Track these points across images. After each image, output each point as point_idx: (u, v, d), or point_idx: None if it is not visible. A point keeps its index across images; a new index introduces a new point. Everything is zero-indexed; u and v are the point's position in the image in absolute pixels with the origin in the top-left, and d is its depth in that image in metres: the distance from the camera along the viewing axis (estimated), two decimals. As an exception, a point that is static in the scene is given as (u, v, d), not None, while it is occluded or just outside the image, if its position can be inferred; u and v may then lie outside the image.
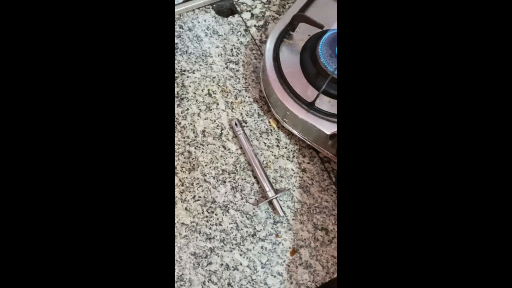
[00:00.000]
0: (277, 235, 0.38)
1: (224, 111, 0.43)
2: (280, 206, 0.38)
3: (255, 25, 0.49)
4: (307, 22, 0.40)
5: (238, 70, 0.46)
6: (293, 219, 0.39)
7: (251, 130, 0.43)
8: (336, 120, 0.37)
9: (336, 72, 0.37)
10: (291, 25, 0.41)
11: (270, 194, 0.38)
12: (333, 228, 0.39)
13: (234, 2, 0.50)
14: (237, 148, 0.41)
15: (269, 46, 0.41)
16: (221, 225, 0.38)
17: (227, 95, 0.44)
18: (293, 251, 0.37)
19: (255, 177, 0.40)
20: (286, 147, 0.42)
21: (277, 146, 0.42)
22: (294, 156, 0.42)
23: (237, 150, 0.41)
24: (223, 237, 0.37)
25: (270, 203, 0.39)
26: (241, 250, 0.37)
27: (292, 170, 0.41)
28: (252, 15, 0.49)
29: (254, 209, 0.39)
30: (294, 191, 0.40)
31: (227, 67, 0.46)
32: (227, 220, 0.38)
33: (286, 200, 0.40)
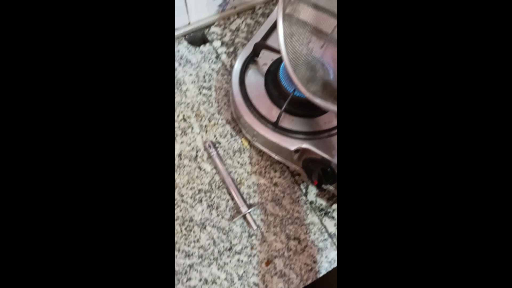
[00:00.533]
0: (252, 248, 0.40)
1: (198, 134, 0.46)
2: (254, 220, 0.41)
3: (225, 52, 0.53)
4: (267, 49, 0.44)
5: (211, 95, 0.49)
6: (266, 231, 0.41)
7: (224, 150, 0.46)
8: (298, 136, 0.40)
9: (295, 93, 0.40)
10: (254, 52, 0.45)
11: (244, 209, 0.41)
12: (305, 237, 0.41)
13: (205, 33, 0.54)
14: (212, 168, 0.44)
15: (235, 72, 0.44)
16: (199, 241, 0.40)
17: (201, 119, 0.47)
18: (268, 262, 0.40)
19: (230, 194, 0.43)
20: (258, 164, 0.45)
21: (250, 163, 0.45)
22: (265, 172, 0.45)
23: (212, 170, 0.44)
24: (201, 253, 0.40)
25: (245, 217, 0.41)
26: (219, 264, 0.39)
27: (264, 185, 0.44)
28: (222, 43, 0.53)
29: (229, 224, 0.41)
30: (267, 204, 0.43)
31: (200, 93, 0.49)
32: (205, 236, 0.41)
33: (260, 214, 0.42)
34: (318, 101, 0.35)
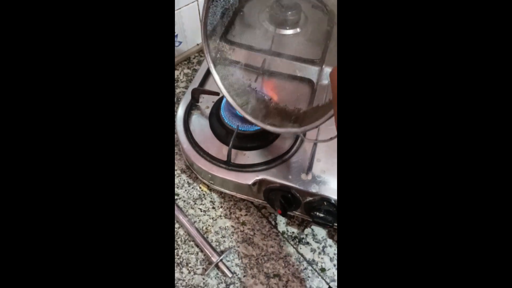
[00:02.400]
0: (232, 298, 0.37)
1: (154, 190, 0.44)
2: (227, 267, 0.38)
3: (168, 104, 0.53)
4: (204, 93, 0.45)
5: (160, 148, 0.48)
6: (244, 276, 0.39)
7: (184, 201, 0.44)
8: (253, 169, 0.40)
9: (240, 128, 0.41)
10: (194, 98, 0.45)
11: (214, 259, 0.38)
12: (284, 272, 0.39)
13: (145, 89, 0.55)
14: (174, 222, 0.42)
15: (179, 120, 0.44)
16: (173, 308, 0.37)
17: (155, 174, 0.46)
18: (252, 310, 0.37)
19: (198, 246, 0.40)
20: (221, 207, 0.44)
21: (213, 208, 0.43)
22: (231, 213, 0.43)
23: (174, 225, 0.42)
24: (178, 320, 0.36)
25: (218, 267, 0.39)
26: (200, 328, 0.36)
27: (232, 226, 0.42)
28: (164, 95, 0.54)
29: (204, 279, 0.38)
30: (238, 247, 0.41)
31: (149, 149, 0.48)
32: (179, 300, 0.37)
33: (233, 259, 0.40)
34: (249, 117, 0.37)
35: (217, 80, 0.40)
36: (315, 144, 0.41)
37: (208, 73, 0.49)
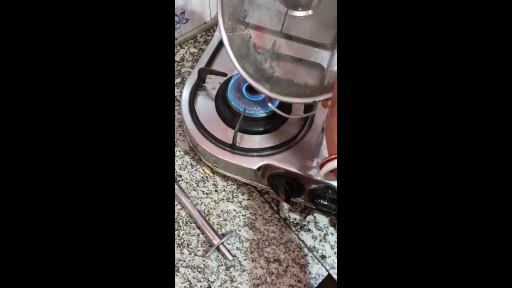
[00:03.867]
0: (232, 281, 0.38)
1: (157, 170, 0.44)
2: (228, 250, 0.38)
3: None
4: (211, 73, 0.43)
5: (164, 128, 0.47)
6: (244, 259, 0.39)
7: (187, 182, 0.43)
8: (258, 154, 0.39)
9: (247, 111, 0.40)
10: (200, 79, 0.44)
11: (215, 241, 0.38)
12: (285, 257, 0.39)
13: (150, 67, 0.53)
14: (176, 203, 0.42)
15: (184, 100, 0.43)
16: None
17: (158, 154, 0.45)
18: (251, 292, 0.37)
19: (199, 228, 0.40)
20: (224, 190, 0.43)
21: (215, 191, 0.43)
22: (233, 197, 0.43)
23: (176, 206, 0.42)
24: (178, 299, 0.36)
25: (219, 250, 0.39)
26: (199, 307, 0.36)
27: (234, 210, 0.42)
28: (169, 74, 0.53)
29: (204, 260, 0.39)
30: (240, 231, 0.41)
31: (153, 128, 0.47)
32: (179, 280, 0.37)
33: (235, 242, 0.40)
34: (251, 81, 0.37)
35: (229, 51, 0.38)
36: (322, 131, 0.40)
37: (215, 53, 0.48)
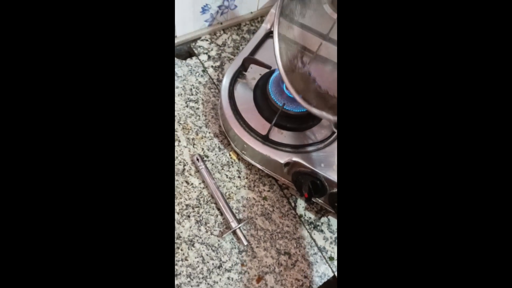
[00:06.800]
0: (242, 264, 0.39)
1: (186, 147, 0.45)
2: (244, 235, 0.40)
3: (212, 66, 0.53)
4: (256, 64, 0.44)
5: (198, 108, 0.49)
6: (257, 247, 0.40)
7: (212, 164, 0.45)
8: (288, 149, 0.41)
9: (285, 107, 0.41)
10: (243, 66, 0.45)
11: (233, 224, 0.40)
12: (295, 252, 0.41)
13: (192, 46, 0.54)
14: (200, 182, 0.43)
15: (224, 85, 0.45)
16: (187, 260, 0.39)
17: (188, 132, 0.47)
18: (259, 278, 0.39)
19: (219, 209, 0.42)
20: (247, 178, 0.45)
21: (238, 177, 0.45)
22: (255, 186, 0.44)
23: (200, 184, 0.43)
24: (190, 272, 0.38)
25: (234, 233, 0.40)
26: (208, 284, 0.38)
27: (254, 199, 0.43)
28: (209, 57, 0.54)
29: (219, 240, 0.40)
30: (256, 219, 0.42)
31: (187, 106, 0.48)
32: (193, 254, 0.39)
33: (250, 229, 0.41)
34: (314, 110, 0.35)
35: (276, 48, 0.39)
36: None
37: (260, 44, 0.49)
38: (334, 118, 0.35)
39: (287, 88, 0.38)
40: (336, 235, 0.42)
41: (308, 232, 0.42)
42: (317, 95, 0.39)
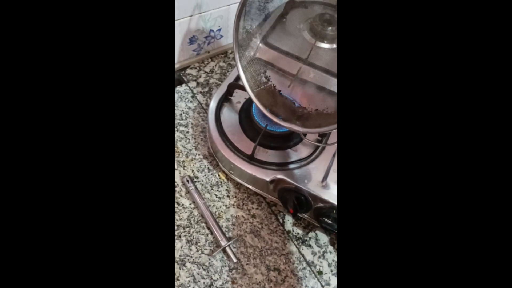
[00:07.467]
0: (233, 282, 0.40)
1: (176, 169, 0.47)
2: (233, 253, 0.41)
3: (200, 92, 0.56)
4: (240, 89, 0.47)
5: (187, 132, 0.51)
6: (247, 264, 0.41)
7: (202, 184, 0.47)
8: (273, 167, 0.43)
9: (268, 127, 0.44)
10: (228, 92, 0.48)
11: (223, 242, 0.41)
12: (284, 267, 0.42)
13: (181, 74, 0.58)
14: (190, 203, 0.45)
15: (211, 109, 0.47)
16: (178, 280, 0.39)
17: (179, 155, 0.49)
18: (249, 296, 0.39)
19: (209, 228, 0.43)
20: (235, 197, 0.46)
21: (228, 196, 0.46)
22: (243, 204, 0.46)
23: (190, 205, 0.45)
24: (181, 292, 0.39)
25: (224, 251, 0.42)
26: (199, 302, 0.38)
27: (243, 217, 0.45)
28: (198, 83, 0.57)
29: (209, 259, 0.41)
30: (246, 236, 0.43)
31: (177, 130, 0.51)
32: (184, 274, 0.40)
33: (239, 246, 0.42)
34: (282, 123, 0.39)
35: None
36: (333, 156, 0.43)
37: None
38: (302, 130, 0.39)
39: (256, 105, 0.41)
40: (324, 249, 0.44)
41: (296, 247, 0.43)
42: (284, 107, 0.42)
